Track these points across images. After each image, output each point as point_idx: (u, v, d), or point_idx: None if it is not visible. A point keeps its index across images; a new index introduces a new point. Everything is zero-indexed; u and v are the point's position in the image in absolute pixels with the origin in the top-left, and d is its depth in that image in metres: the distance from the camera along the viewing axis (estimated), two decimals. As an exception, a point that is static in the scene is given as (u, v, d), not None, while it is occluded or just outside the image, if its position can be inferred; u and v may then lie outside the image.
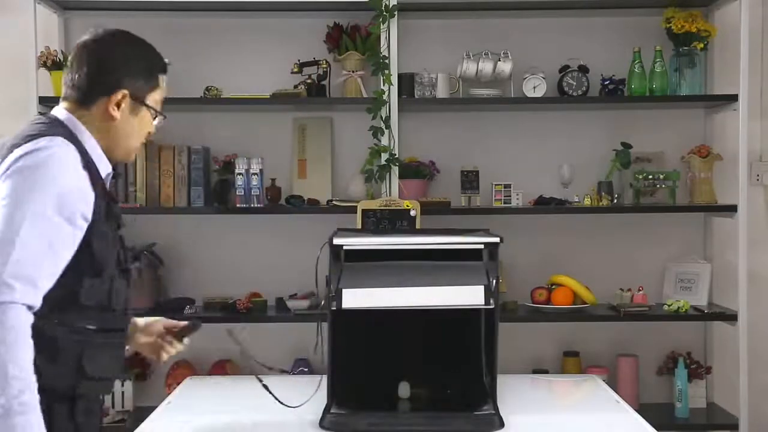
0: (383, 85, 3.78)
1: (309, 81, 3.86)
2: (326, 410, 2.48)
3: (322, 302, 2.57)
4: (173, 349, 2.33)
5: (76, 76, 2.05)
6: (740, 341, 3.72)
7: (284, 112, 4.04)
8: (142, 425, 2.45)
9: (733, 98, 3.75)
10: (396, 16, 3.77)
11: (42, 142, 1.90)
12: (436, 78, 3.88)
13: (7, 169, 1.88)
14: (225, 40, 4.03)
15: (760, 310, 3.96)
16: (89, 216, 1.93)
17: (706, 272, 3.99)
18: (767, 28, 4.04)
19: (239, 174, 3.82)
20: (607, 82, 3.89)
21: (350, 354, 2.72)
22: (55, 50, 3.81)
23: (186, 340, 2.33)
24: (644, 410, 3.04)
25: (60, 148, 1.91)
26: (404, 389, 2.59)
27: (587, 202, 3.87)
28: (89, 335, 1.97)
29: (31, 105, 3.70)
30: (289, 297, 3.88)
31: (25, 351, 1.79)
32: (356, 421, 2.43)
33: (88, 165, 1.96)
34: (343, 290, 2.56)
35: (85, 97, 2.04)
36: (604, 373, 3.82)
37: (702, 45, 3.85)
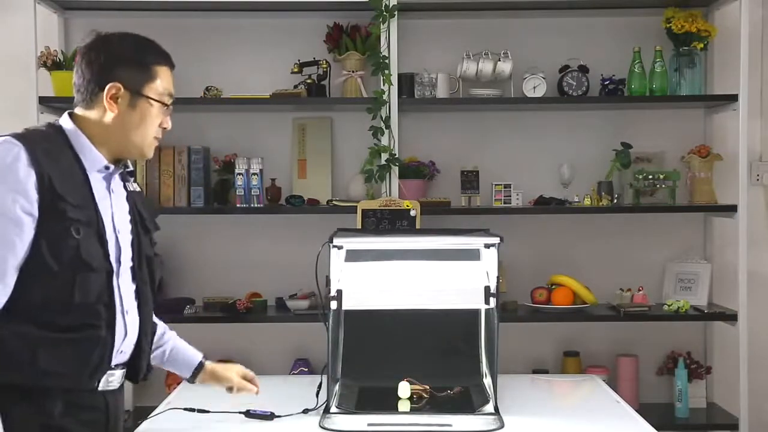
0: (383, 85, 3.78)
1: (309, 81, 3.86)
2: (326, 410, 2.48)
3: (322, 302, 2.58)
4: (252, 389, 2.50)
5: (76, 79, 2.09)
6: (740, 341, 3.72)
7: (284, 112, 4.04)
8: (142, 425, 2.45)
9: (733, 98, 3.75)
10: (396, 16, 3.77)
11: None
12: (436, 78, 3.88)
13: None
14: (225, 40, 4.03)
15: (760, 310, 3.96)
16: (33, 211, 1.92)
17: (706, 272, 3.99)
18: (767, 28, 4.04)
19: (239, 174, 3.82)
20: (607, 82, 3.89)
21: (350, 354, 2.73)
22: (55, 50, 3.81)
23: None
24: (644, 410, 3.05)
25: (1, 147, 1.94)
26: (404, 389, 2.59)
27: (587, 202, 3.87)
28: (41, 334, 1.94)
29: (31, 105, 3.69)
30: (289, 297, 3.88)
31: None
32: (356, 421, 2.43)
33: (58, 161, 1.98)
34: (343, 291, 2.57)
35: (85, 98, 2.07)
36: (604, 373, 3.82)
37: (702, 45, 3.85)
